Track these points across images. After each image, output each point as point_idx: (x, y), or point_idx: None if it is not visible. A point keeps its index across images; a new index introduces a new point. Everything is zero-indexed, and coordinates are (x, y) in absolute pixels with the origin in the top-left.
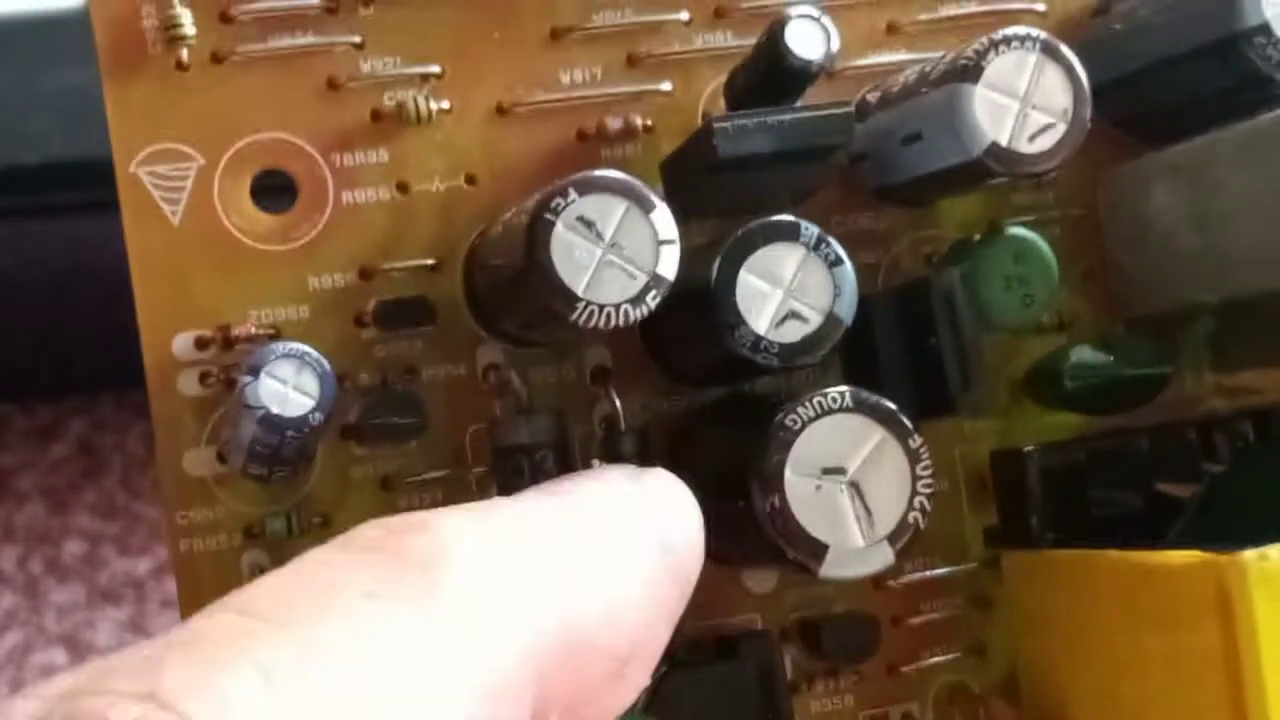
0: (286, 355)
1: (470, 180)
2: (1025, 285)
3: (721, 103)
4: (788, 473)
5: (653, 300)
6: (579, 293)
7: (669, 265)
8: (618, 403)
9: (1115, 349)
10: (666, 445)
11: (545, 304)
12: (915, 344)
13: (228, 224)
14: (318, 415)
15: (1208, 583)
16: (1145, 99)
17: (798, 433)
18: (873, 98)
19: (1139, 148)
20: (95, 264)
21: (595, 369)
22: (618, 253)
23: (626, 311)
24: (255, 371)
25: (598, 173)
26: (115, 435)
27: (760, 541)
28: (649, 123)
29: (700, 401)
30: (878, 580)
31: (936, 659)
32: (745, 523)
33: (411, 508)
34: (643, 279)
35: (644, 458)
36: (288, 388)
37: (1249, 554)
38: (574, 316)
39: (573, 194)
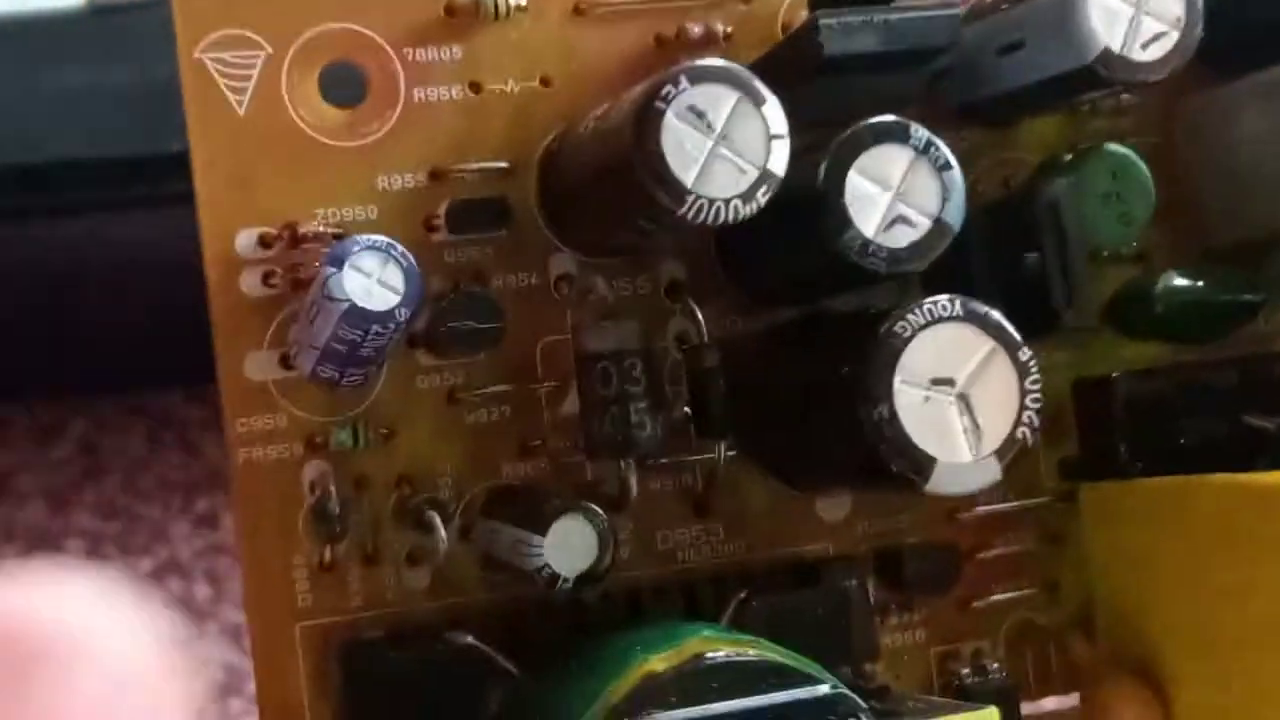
0: (371, 247)
1: (545, 82)
2: (1123, 203)
3: (802, 13)
4: (897, 380)
5: (763, 196)
6: (689, 185)
7: (780, 160)
8: (699, 313)
9: (1206, 275)
10: (740, 363)
11: (651, 197)
12: (1010, 261)
13: (295, 117)
14: (404, 311)
15: None
16: (1230, 24)
17: (908, 340)
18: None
19: (1213, 77)
20: (96, 264)
21: (670, 283)
22: (728, 145)
23: (736, 207)
24: (339, 262)
25: (709, 62)
26: (116, 436)
27: (851, 459)
28: (729, 30)
29: (778, 320)
30: (951, 511)
31: (1008, 594)
32: (837, 440)
33: (478, 423)
34: (753, 173)
35: (726, 372)
36: (372, 281)
37: None
38: (682, 210)
39: (684, 82)
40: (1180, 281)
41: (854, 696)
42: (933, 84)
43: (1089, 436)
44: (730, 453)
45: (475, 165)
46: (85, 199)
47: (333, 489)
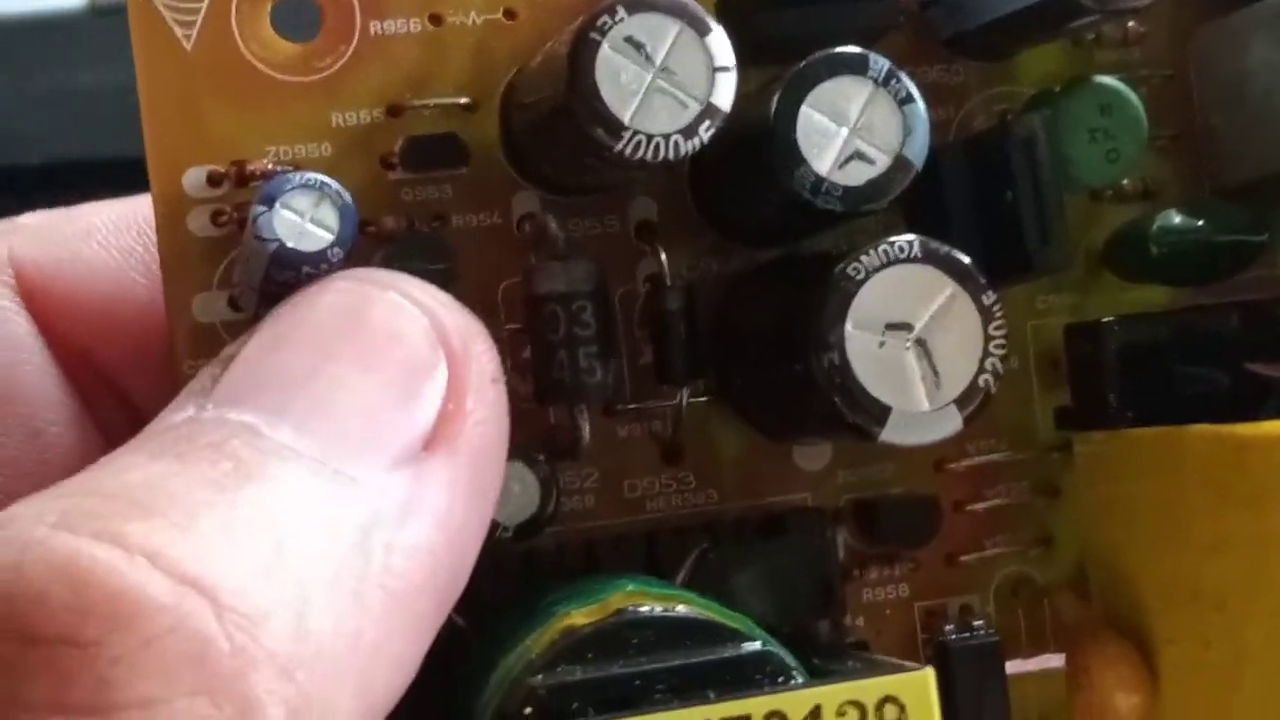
0: (304, 185)
1: (510, 14)
2: (1111, 139)
3: None
4: (848, 326)
5: (705, 132)
6: (625, 120)
7: (725, 94)
8: (663, 256)
9: (1205, 214)
10: (715, 307)
11: (588, 134)
12: (989, 199)
13: (245, 51)
14: (337, 251)
15: None
16: None
17: (860, 282)
18: None
19: (1229, 5)
20: None
21: (640, 223)
22: (669, 78)
23: (677, 143)
24: (269, 201)
25: None
26: None
27: (815, 408)
28: None
29: (753, 262)
30: (939, 461)
31: (999, 549)
32: (799, 388)
33: None
34: (695, 108)
35: (689, 316)
36: (305, 220)
37: None
38: (619, 147)
39: (621, 12)
40: (1177, 220)
41: (782, 654)
42: (924, 9)
43: (1080, 384)
44: (702, 399)
45: (434, 101)
46: (84, 199)
47: None
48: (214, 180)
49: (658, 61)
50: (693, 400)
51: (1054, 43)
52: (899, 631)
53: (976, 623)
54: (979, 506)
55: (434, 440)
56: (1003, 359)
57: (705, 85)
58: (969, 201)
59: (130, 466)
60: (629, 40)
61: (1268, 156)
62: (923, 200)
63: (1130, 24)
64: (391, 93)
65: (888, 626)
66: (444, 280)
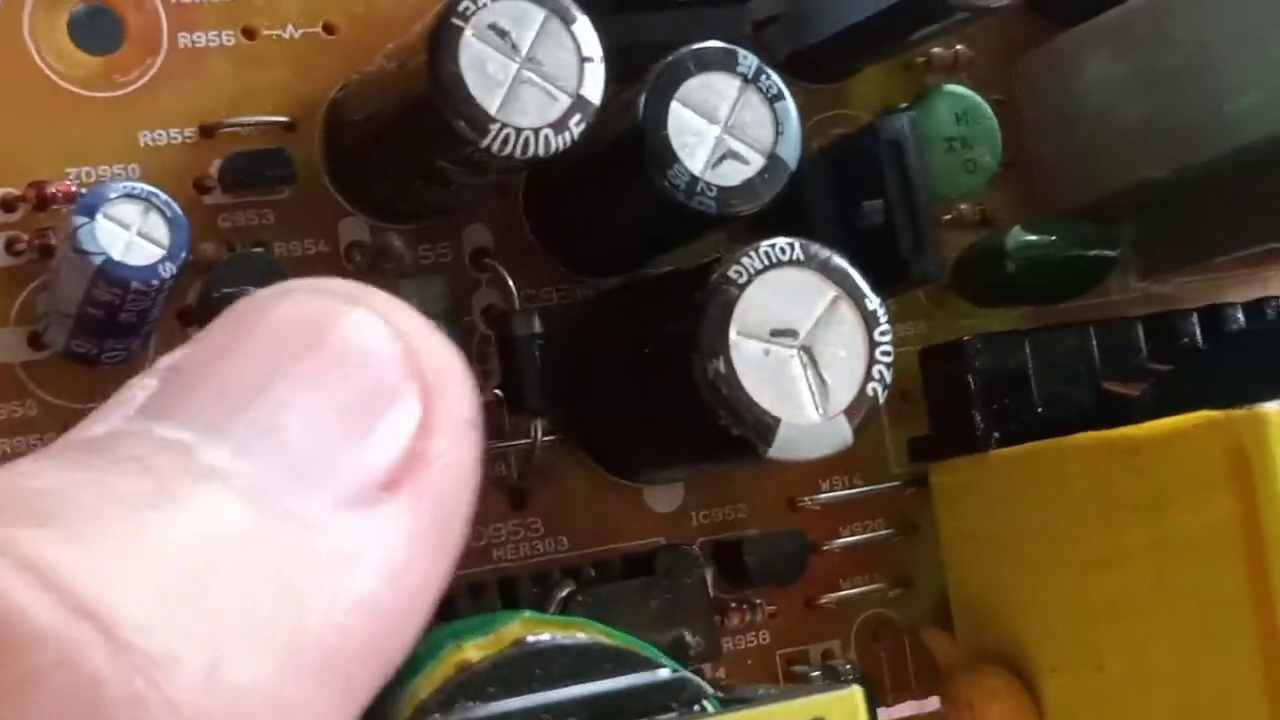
0: (130, 195)
1: (329, 29)
2: (969, 149)
3: None
4: (732, 332)
5: (577, 126)
6: (492, 111)
7: (594, 86)
8: (509, 279)
9: (1058, 229)
10: (561, 337)
11: (451, 128)
12: (850, 210)
13: (40, 63)
14: (169, 267)
15: (1216, 446)
16: None
17: (743, 286)
18: None
19: (1050, 30)
20: None
21: (475, 251)
22: (535, 69)
23: (547, 138)
24: (90, 211)
25: None
26: None
27: (688, 427)
28: None
29: (602, 287)
30: (792, 500)
31: (858, 589)
32: (667, 408)
33: None
34: (565, 100)
35: (544, 340)
36: (131, 233)
37: (1269, 406)
38: (486, 141)
39: None
40: (1032, 236)
41: (698, 680)
42: (758, 30)
43: (941, 409)
44: (548, 438)
45: (252, 119)
46: None
47: None
48: (8, 205)
49: (524, 50)
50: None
51: (884, 67)
52: (762, 680)
53: (842, 667)
54: (835, 545)
55: (395, 481)
56: (890, 366)
57: (574, 76)
58: (833, 212)
59: (34, 472)
60: (493, 27)
61: (1104, 176)
62: (782, 213)
63: (958, 48)
64: (205, 110)
65: (750, 676)
66: None
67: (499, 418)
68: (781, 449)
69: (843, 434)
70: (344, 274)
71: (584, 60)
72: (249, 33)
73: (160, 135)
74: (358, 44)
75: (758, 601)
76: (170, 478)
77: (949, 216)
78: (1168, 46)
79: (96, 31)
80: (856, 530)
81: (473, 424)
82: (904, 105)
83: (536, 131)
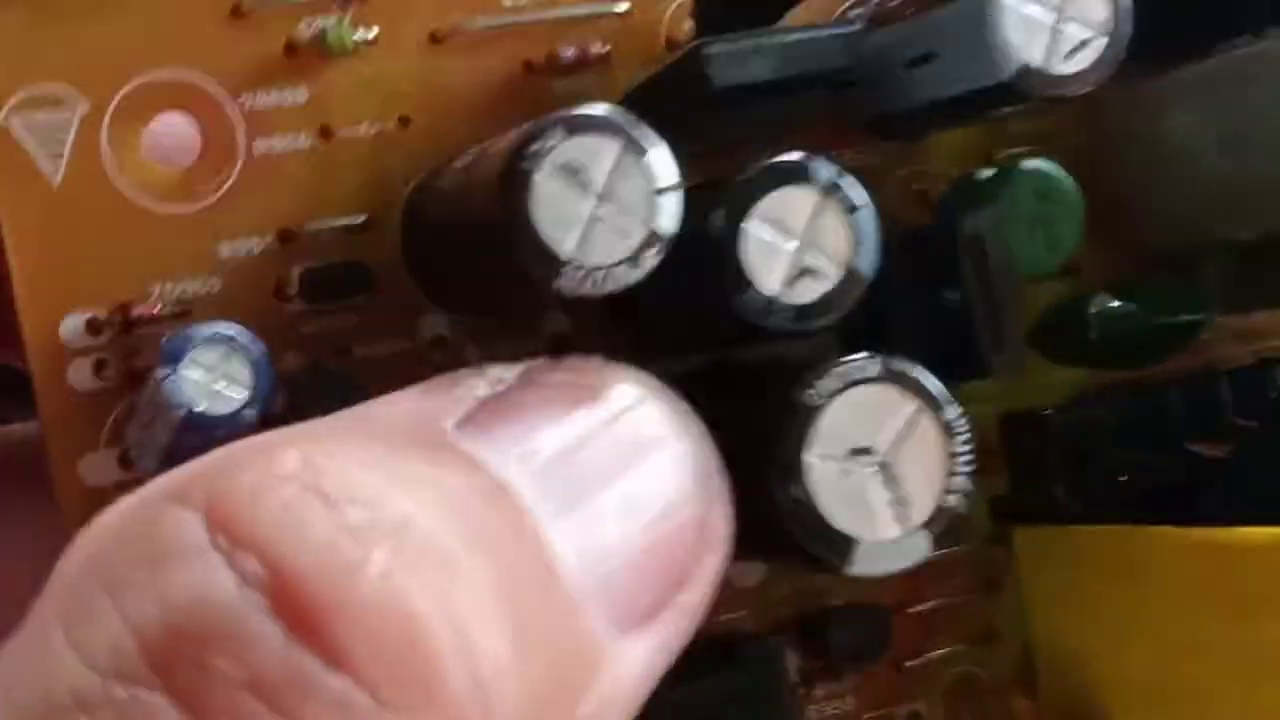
0: (210, 340)
1: (404, 121)
2: (1050, 226)
3: (687, 24)
4: (809, 456)
5: (652, 259)
6: (565, 255)
7: (669, 217)
8: None
9: (1142, 294)
10: None
11: (523, 268)
12: (929, 300)
13: (118, 182)
14: (251, 412)
15: None
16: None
17: (819, 408)
18: (856, 14)
19: (1133, 69)
20: None
21: (553, 337)
22: (610, 203)
23: (622, 273)
24: (173, 361)
25: (582, 110)
26: None
27: (763, 538)
28: (606, 49)
29: (674, 372)
30: None
31: (943, 650)
32: (758, 520)
33: None
34: (639, 235)
35: None
36: (214, 377)
37: None
38: (559, 282)
39: (554, 136)
40: (1113, 304)
41: None
42: (837, 98)
43: (1021, 477)
44: None
45: (330, 223)
46: None
47: None
48: (94, 327)
49: (598, 187)
50: None
51: None
52: None
53: None
54: (920, 608)
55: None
56: (970, 475)
57: (646, 209)
58: (906, 303)
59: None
60: (565, 167)
61: (1190, 227)
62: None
63: None
64: (283, 216)
65: None
66: None
67: None
68: (858, 566)
69: (922, 548)
70: (425, 371)
71: (658, 192)
72: (325, 132)
73: (240, 245)
74: (433, 135)
75: (846, 670)
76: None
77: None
78: (1250, 109)
79: (173, 144)
80: (943, 590)
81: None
82: (984, 172)
83: (610, 268)
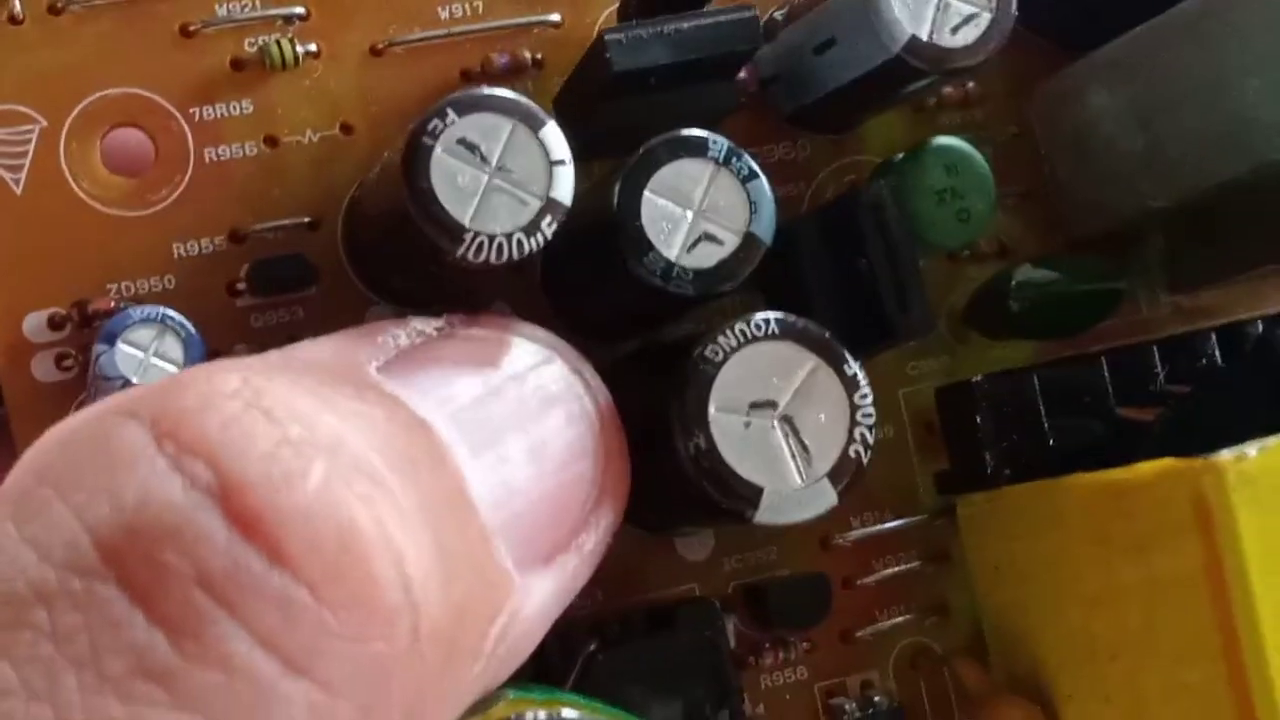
0: (144, 320)
1: (346, 129)
2: (960, 199)
3: None
4: (712, 409)
5: (549, 228)
6: (465, 223)
7: (564, 187)
8: None
9: (1061, 266)
10: None
11: (429, 239)
12: (845, 269)
13: (77, 190)
14: None
15: (1182, 494)
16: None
17: (719, 364)
18: (780, 15)
19: (1066, 57)
20: None
21: None
22: (506, 177)
23: (520, 241)
24: (110, 339)
25: (478, 91)
26: None
27: (687, 496)
28: (539, 57)
29: (611, 356)
30: (824, 538)
31: (894, 620)
32: (669, 478)
33: None
34: (535, 204)
35: None
36: (148, 354)
37: (1224, 455)
38: (461, 251)
39: (451, 115)
40: (1034, 274)
41: None
42: (764, 89)
43: (957, 446)
44: None
45: (277, 223)
46: None
47: None
48: (55, 323)
49: (493, 161)
50: None
51: (896, 110)
52: (802, 715)
53: (878, 699)
54: (869, 580)
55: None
56: (871, 428)
57: (544, 180)
58: (827, 274)
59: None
60: (462, 142)
61: (1118, 205)
62: (781, 277)
63: (970, 85)
64: (232, 218)
65: (789, 711)
66: None
67: None
68: (766, 516)
69: (827, 497)
70: None
71: (553, 164)
72: (271, 140)
73: (192, 245)
74: (374, 141)
75: (791, 640)
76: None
77: (967, 253)
78: (1164, 77)
79: (128, 154)
80: (890, 563)
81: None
82: (899, 155)
83: (509, 236)
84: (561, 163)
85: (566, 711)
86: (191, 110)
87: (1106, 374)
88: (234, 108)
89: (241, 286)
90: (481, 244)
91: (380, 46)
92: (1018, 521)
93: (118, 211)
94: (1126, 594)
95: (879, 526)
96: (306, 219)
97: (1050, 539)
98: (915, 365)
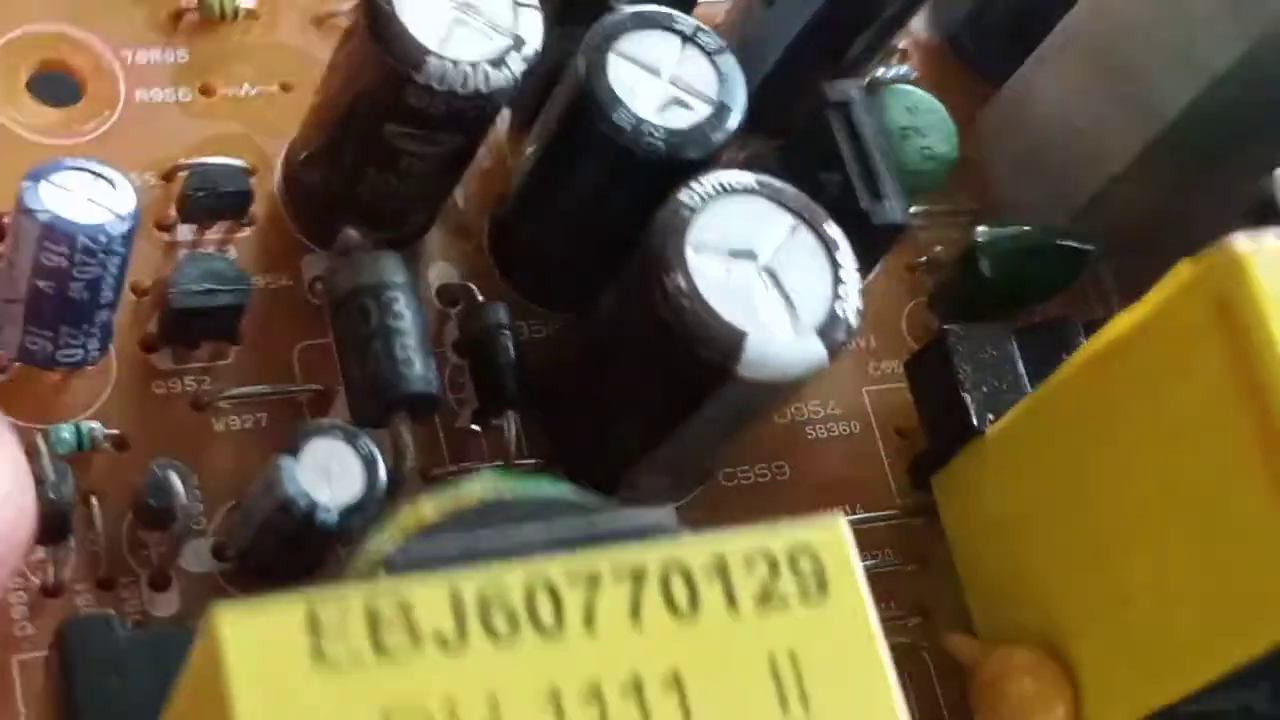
0: (79, 168)
1: (286, 88)
2: (922, 136)
3: None
4: (689, 250)
5: (516, 65)
6: (430, 47)
7: (531, 28)
8: (477, 292)
9: (1025, 224)
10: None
11: (394, 69)
12: (814, 192)
13: (3, 116)
14: (117, 225)
15: (1197, 300)
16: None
17: (695, 209)
18: None
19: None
20: None
21: (441, 288)
22: (472, 13)
23: (487, 73)
24: (37, 177)
25: None
26: None
27: (665, 368)
28: None
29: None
30: None
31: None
32: (636, 357)
33: (229, 430)
34: (502, 39)
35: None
36: (77, 195)
37: (1242, 247)
38: (424, 76)
39: None
40: (999, 231)
41: (680, 525)
42: None
43: (934, 410)
44: (530, 461)
45: (212, 160)
46: None
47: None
48: None
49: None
50: (519, 463)
51: None
52: None
53: None
54: None
55: None
56: (858, 292)
57: (510, 18)
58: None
59: None
60: None
61: (1074, 194)
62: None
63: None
64: (164, 158)
65: None
66: (241, 297)
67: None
68: (752, 366)
69: (816, 353)
70: (306, 307)
71: (519, 5)
72: (206, 90)
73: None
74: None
75: None
76: None
77: (923, 260)
78: (1114, 27)
79: (57, 88)
80: (865, 559)
81: None
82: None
83: (475, 65)
84: (528, 5)
85: (545, 485)
86: (124, 52)
87: (1082, 331)
88: (168, 55)
89: (172, 221)
90: (445, 70)
91: (323, 17)
92: (1004, 459)
93: (43, 139)
94: (1138, 458)
95: (851, 517)
96: (242, 163)
97: (1046, 454)
98: (878, 366)
